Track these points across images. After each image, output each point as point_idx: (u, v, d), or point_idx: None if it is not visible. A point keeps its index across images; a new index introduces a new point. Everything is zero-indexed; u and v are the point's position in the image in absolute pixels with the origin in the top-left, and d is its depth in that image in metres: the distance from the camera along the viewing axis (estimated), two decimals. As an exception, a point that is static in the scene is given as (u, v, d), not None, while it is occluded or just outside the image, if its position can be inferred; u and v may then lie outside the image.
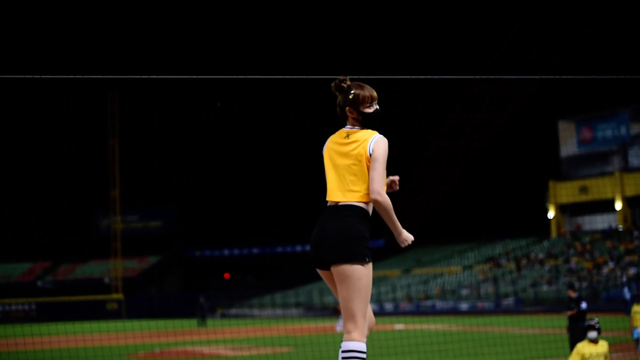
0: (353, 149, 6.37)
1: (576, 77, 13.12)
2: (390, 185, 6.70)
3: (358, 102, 6.47)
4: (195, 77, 10.47)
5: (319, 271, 6.49)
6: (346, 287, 6.20)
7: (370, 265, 6.21)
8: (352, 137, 6.43)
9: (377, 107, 6.52)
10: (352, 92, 6.49)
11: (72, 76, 10.01)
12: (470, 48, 74.68)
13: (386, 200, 6.26)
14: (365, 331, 6.27)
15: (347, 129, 6.52)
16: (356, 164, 6.33)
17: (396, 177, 6.73)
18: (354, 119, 6.50)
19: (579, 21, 68.69)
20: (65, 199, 74.97)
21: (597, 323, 14.28)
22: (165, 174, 72.35)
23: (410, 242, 6.46)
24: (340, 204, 6.35)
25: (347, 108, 6.50)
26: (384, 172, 6.30)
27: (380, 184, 6.26)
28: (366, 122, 6.47)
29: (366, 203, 6.33)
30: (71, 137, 67.58)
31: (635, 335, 19.96)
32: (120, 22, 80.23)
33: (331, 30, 78.35)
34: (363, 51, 77.80)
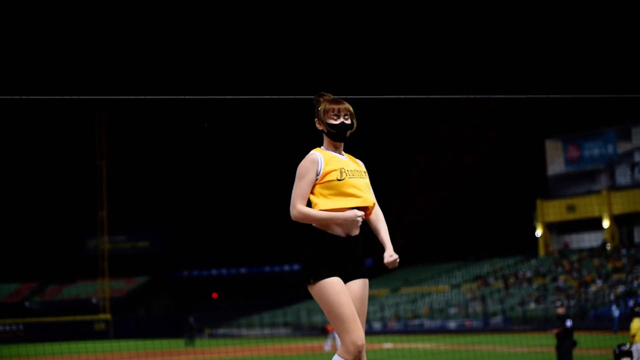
0: None
1: (563, 96, 13.15)
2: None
3: (322, 113, 6.34)
4: (182, 97, 10.45)
5: None
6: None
7: (322, 283, 6.03)
8: None
9: (349, 121, 6.34)
10: (320, 104, 6.40)
11: (60, 97, 9.96)
12: (457, 67, 74.92)
13: (302, 213, 6.13)
14: (350, 347, 6.06)
15: None
16: None
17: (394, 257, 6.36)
18: (321, 131, 6.40)
19: (569, 35, 68.92)
20: (53, 219, 74.83)
21: (630, 348, 13.29)
22: (153, 195, 72.30)
23: (358, 216, 6.12)
24: None
25: (315, 120, 6.42)
26: (301, 188, 6.15)
27: (294, 201, 6.16)
28: (331, 134, 6.32)
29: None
30: (59, 158, 67.60)
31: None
32: (107, 44, 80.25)
33: (318, 49, 78.51)
34: (350, 71, 78.00)
